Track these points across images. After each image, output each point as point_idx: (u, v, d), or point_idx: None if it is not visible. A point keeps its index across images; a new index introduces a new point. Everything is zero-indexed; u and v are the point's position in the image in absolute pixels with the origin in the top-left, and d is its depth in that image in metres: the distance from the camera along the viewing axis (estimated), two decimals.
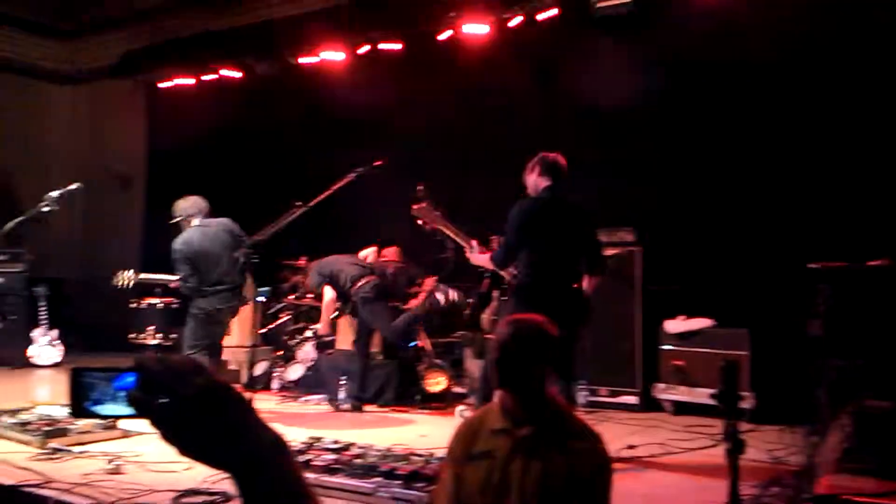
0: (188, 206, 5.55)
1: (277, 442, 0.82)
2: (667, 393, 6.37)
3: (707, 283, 6.56)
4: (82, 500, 3.39)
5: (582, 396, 6.46)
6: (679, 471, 4.45)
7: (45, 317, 6.17)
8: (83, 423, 4.83)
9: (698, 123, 6.93)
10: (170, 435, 0.78)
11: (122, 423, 4.48)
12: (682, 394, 6.29)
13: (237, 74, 9.81)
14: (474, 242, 4.98)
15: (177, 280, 5.39)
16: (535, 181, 4.81)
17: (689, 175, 6.92)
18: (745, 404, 5.56)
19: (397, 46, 8.78)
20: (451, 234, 5.22)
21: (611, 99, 6.97)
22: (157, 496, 3.51)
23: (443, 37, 8.37)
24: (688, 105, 6.97)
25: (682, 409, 6.26)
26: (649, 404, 6.44)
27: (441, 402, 6.34)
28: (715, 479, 2.76)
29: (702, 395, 5.99)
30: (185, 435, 0.79)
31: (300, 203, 5.56)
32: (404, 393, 6.49)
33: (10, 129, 11.44)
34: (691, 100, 6.95)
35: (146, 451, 4.29)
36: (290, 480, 0.81)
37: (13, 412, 4.95)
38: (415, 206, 5.22)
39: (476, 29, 8.08)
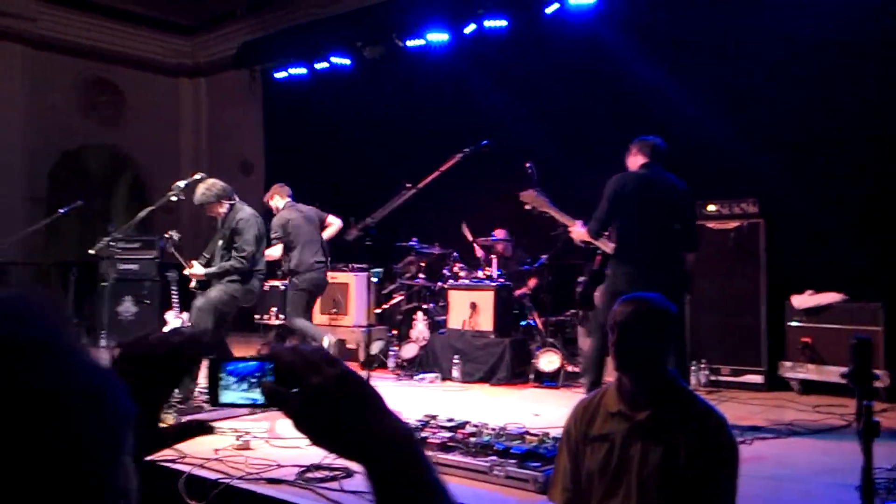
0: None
1: (408, 434, 0.81)
2: (794, 371, 6.07)
3: (837, 255, 6.19)
4: (213, 475, 3.58)
5: (703, 376, 6.26)
6: (807, 452, 4.24)
7: (177, 300, 6.52)
8: None
9: (828, 89, 6.51)
10: (302, 425, 0.79)
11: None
12: (810, 372, 5.98)
13: (347, 61, 9.99)
14: (579, 222, 5.06)
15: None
16: (633, 160, 4.98)
17: (818, 142, 6.52)
18: (879, 383, 5.23)
19: (503, 23, 8.69)
20: (556, 216, 5.30)
21: (736, 67, 6.69)
22: (283, 471, 3.65)
23: (549, 10, 8.21)
24: (814, 72, 6.55)
25: (810, 388, 5.96)
26: (775, 383, 6.16)
27: (554, 381, 6.29)
28: (846, 461, 2.59)
29: (832, 374, 5.68)
30: (316, 425, 0.79)
31: (410, 185, 5.62)
32: (517, 371, 6.49)
33: (141, 123, 12.19)
34: (819, 67, 6.52)
35: (272, 427, 4.49)
36: (421, 473, 0.79)
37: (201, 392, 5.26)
38: (521, 193, 5.33)
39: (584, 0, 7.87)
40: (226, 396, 0.82)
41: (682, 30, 7.36)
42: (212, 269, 5.58)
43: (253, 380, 0.81)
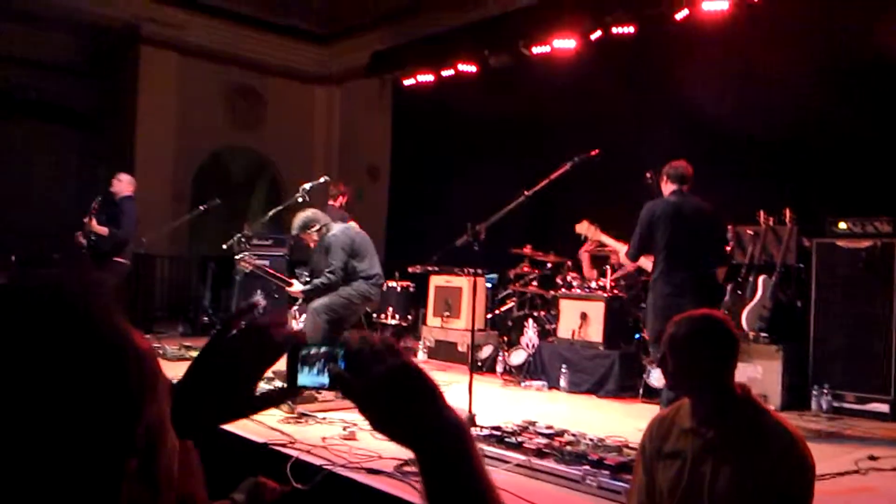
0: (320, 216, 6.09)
1: (461, 426, 0.85)
2: None
3: None
4: (318, 461, 3.81)
5: (825, 401, 5.97)
6: None
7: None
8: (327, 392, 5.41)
9: None
10: (363, 409, 0.86)
11: None
12: None
13: (473, 68, 10.19)
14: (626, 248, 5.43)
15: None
16: (665, 187, 5.36)
17: None
18: None
19: (630, 29, 8.61)
20: (608, 242, 5.80)
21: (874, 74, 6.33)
22: (383, 462, 3.83)
23: (679, 16, 8.06)
24: None
25: None
26: None
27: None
28: None
29: None
30: (376, 410, 0.85)
31: (528, 192, 5.68)
32: (626, 385, 6.42)
33: (279, 127, 12.93)
34: None
35: None
36: (468, 464, 0.84)
37: (269, 379, 5.62)
38: (577, 225, 5.93)
39: (717, 5, 7.67)
40: (301, 379, 0.92)
41: (825, 35, 7.04)
42: (306, 287, 5.89)
43: (324, 365, 0.91)
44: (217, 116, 12.41)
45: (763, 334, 6.27)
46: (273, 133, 12.91)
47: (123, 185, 7.62)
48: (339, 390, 0.87)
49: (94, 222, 7.40)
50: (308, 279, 6.14)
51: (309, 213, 6.10)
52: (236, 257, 6.15)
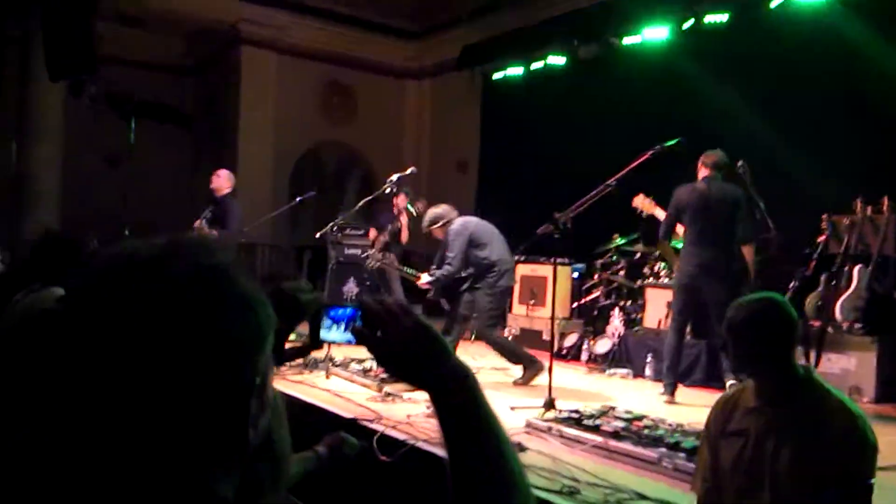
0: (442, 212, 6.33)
1: (467, 372, 1.02)
2: None
3: None
4: (402, 436, 4.01)
5: None
6: None
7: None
8: None
9: None
10: (383, 361, 1.04)
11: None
12: None
13: (562, 60, 10.19)
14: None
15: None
16: (700, 172, 5.88)
17: None
18: None
19: (723, 17, 8.44)
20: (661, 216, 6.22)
21: None
22: None
23: (774, 4, 7.87)
24: None
25: None
26: None
27: None
28: None
29: None
30: (395, 362, 1.03)
31: (611, 183, 5.72)
32: (713, 375, 6.35)
33: (370, 121, 13.29)
34: None
35: None
36: (477, 402, 1.00)
37: (360, 360, 5.91)
38: (634, 200, 6.46)
39: None
40: (327, 335, 1.11)
41: None
42: (432, 279, 6.10)
43: (334, 321, 1.09)
44: (312, 113, 12.87)
45: (858, 325, 6.08)
46: (365, 128, 13.28)
47: (222, 181, 7.78)
48: (361, 345, 1.03)
49: (202, 224, 7.67)
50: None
51: (438, 209, 6.37)
52: (367, 261, 6.56)
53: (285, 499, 2.05)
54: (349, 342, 1.08)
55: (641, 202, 6.50)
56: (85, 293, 0.76)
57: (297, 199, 7.66)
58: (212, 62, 13.04)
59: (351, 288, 9.26)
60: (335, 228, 6.70)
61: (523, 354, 6.03)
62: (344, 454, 2.00)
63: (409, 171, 6.48)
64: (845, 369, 5.91)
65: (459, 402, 1.00)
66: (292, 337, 1.14)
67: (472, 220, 6.36)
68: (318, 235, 6.61)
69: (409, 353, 1.01)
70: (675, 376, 5.72)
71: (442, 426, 1.00)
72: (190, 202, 11.19)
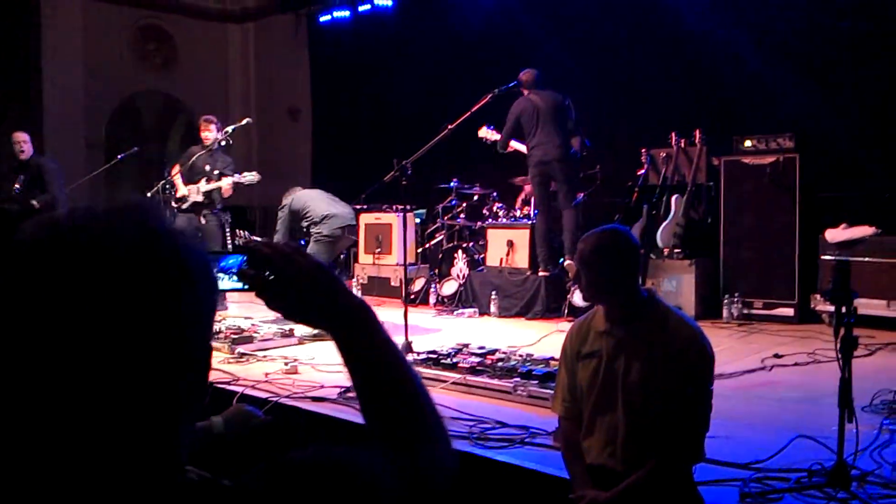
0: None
1: (363, 305, 1.04)
2: (825, 304, 6.16)
3: (871, 189, 6.20)
4: (263, 394, 3.96)
5: (735, 309, 6.41)
6: (821, 379, 4.40)
7: (230, 241, 6.95)
8: (265, 331, 5.54)
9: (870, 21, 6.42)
10: (274, 303, 1.01)
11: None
12: None
13: (389, 2, 10.08)
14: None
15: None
16: (524, 88, 6.73)
17: (854, 75, 6.47)
18: None
19: None
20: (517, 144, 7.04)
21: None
22: (325, 391, 4.00)
23: None
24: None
25: None
26: (806, 316, 6.27)
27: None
28: (858, 385, 2.77)
29: (864, 307, 5.74)
30: (288, 302, 1.01)
31: (449, 126, 5.80)
32: (553, 307, 6.73)
33: (192, 69, 12.54)
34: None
35: (317, 355, 4.86)
36: (376, 332, 1.02)
37: None
38: (479, 131, 7.14)
39: None
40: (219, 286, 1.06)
41: None
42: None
43: (224, 270, 1.06)
44: (126, 60, 11.96)
45: (677, 250, 6.64)
46: (186, 75, 12.54)
47: (28, 144, 7.19)
48: (252, 289, 1.01)
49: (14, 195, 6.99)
50: None
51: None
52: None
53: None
54: (239, 288, 1.04)
55: (485, 132, 7.14)
56: (17, 271, 0.72)
57: (119, 156, 7.15)
58: (9, 6, 11.67)
59: None
60: (167, 186, 6.35)
61: None
62: (248, 428, 1.93)
63: (244, 122, 6.22)
64: (668, 291, 6.47)
65: (361, 333, 1.01)
66: None
67: (296, 195, 6.60)
68: (148, 196, 6.23)
69: (306, 291, 1.00)
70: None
71: (346, 358, 1.01)
72: None
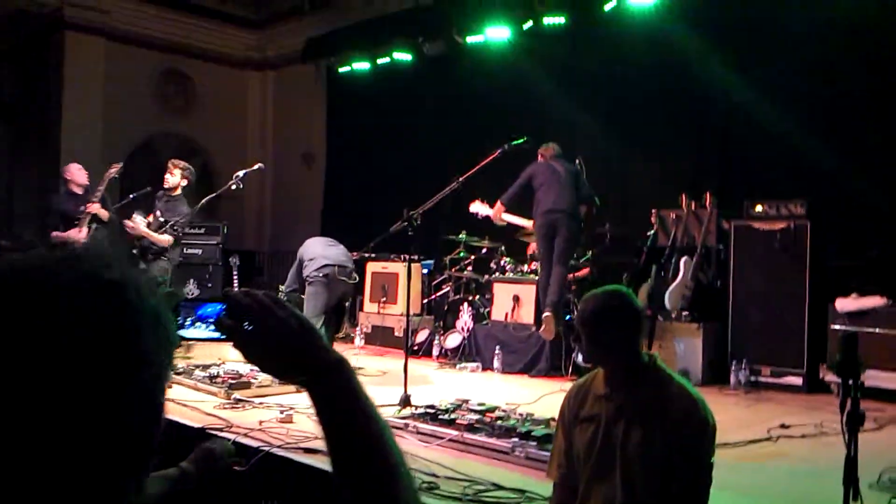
0: None
1: (341, 361, 1.00)
2: (834, 375, 6.04)
3: (884, 258, 6.14)
4: (256, 443, 3.88)
5: (742, 375, 6.29)
6: (830, 451, 4.27)
7: (237, 285, 6.95)
8: (263, 377, 5.47)
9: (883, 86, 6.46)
10: (251, 355, 0.98)
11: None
12: None
13: (408, 56, 10.22)
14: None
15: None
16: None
17: (866, 143, 6.47)
18: None
19: (561, 20, 8.79)
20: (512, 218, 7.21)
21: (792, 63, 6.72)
22: (320, 442, 3.91)
23: (608, 7, 8.28)
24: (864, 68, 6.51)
25: None
26: (815, 386, 6.14)
27: None
28: (863, 461, 2.68)
29: (874, 378, 5.63)
30: (267, 354, 0.98)
31: (461, 179, 5.81)
32: (556, 364, 6.64)
33: (211, 113, 12.72)
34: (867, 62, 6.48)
35: None
36: (352, 390, 0.98)
37: (205, 367, 5.65)
38: (471, 206, 7.38)
39: None
40: (191, 332, 1.04)
41: (740, 25, 7.37)
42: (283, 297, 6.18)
43: (201, 318, 1.02)
44: (146, 103, 12.14)
45: (685, 313, 6.56)
46: (205, 119, 12.70)
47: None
48: (229, 340, 0.98)
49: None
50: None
51: None
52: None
53: None
54: (216, 338, 1.00)
55: (479, 207, 7.28)
56: None
57: (131, 196, 7.20)
58: (32, 47, 11.93)
59: (191, 290, 8.86)
60: (175, 227, 6.36)
61: None
62: (216, 466, 1.88)
63: (256, 168, 6.27)
64: (675, 354, 6.37)
65: (337, 390, 0.98)
66: None
67: (305, 243, 6.75)
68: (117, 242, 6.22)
69: (284, 345, 0.97)
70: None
71: (320, 416, 0.98)
72: (8, 199, 10.23)
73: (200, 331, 1.02)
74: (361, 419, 0.98)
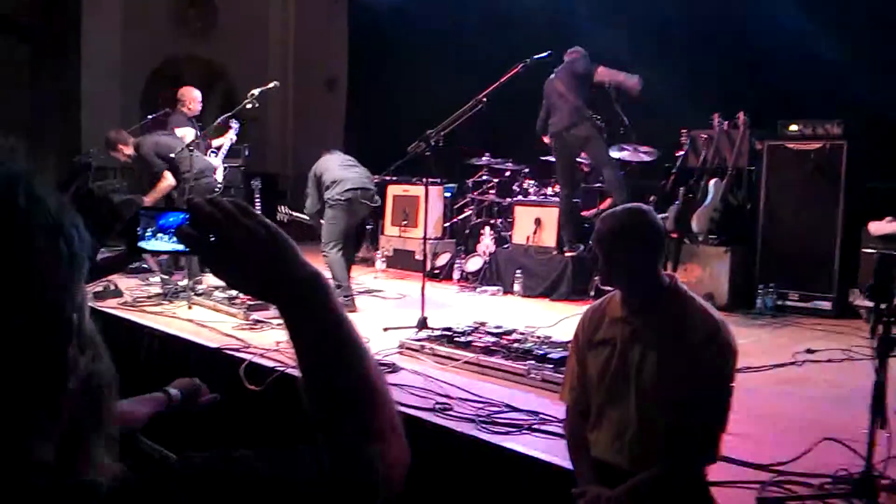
0: None
1: (315, 275, 0.90)
2: (865, 300, 5.88)
3: None
4: (271, 363, 3.87)
5: (770, 300, 6.17)
6: (855, 378, 4.17)
7: (260, 208, 6.88)
8: None
9: None
10: (218, 269, 0.89)
11: None
12: None
13: None
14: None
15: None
16: None
17: None
18: None
19: None
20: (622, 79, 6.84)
21: None
22: None
23: None
24: None
25: None
26: (844, 311, 6.00)
27: None
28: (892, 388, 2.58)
29: None
30: (232, 269, 0.88)
31: (482, 96, 5.60)
32: (578, 288, 6.55)
33: (232, 35, 12.46)
34: None
35: None
36: (327, 307, 0.89)
37: (225, 288, 5.64)
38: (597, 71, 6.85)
39: None
40: (152, 244, 0.93)
41: None
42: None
43: (163, 228, 0.91)
44: (166, 24, 11.90)
45: (712, 236, 6.39)
46: (226, 42, 12.44)
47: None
48: (193, 253, 0.89)
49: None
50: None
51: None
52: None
53: (136, 440, 1.88)
54: (177, 251, 0.90)
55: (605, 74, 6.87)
56: None
57: (149, 116, 7.10)
58: None
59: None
60: (191, 148, 6.26)
61: (345, 287, 5.89)
62: (197, 403, 1.85)
63: (271, 86, 6.11)
64: (700, 278, 6.24)
65: (308, 308, 0.88)
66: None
67: (320, 160, 6.34)
68: (173, 155, 6.14)
69: (252, 257, 0.86)
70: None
71: (293, 339, 0.89)
72: (30, 120, 10.19)
73: (162, 243, 0.91)
74: (336, 341, 0.89)
